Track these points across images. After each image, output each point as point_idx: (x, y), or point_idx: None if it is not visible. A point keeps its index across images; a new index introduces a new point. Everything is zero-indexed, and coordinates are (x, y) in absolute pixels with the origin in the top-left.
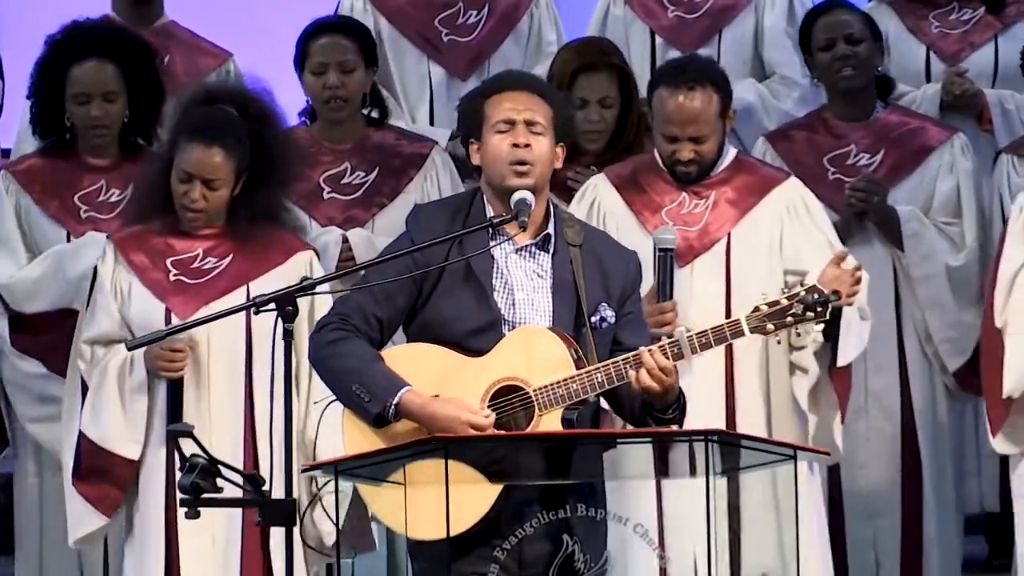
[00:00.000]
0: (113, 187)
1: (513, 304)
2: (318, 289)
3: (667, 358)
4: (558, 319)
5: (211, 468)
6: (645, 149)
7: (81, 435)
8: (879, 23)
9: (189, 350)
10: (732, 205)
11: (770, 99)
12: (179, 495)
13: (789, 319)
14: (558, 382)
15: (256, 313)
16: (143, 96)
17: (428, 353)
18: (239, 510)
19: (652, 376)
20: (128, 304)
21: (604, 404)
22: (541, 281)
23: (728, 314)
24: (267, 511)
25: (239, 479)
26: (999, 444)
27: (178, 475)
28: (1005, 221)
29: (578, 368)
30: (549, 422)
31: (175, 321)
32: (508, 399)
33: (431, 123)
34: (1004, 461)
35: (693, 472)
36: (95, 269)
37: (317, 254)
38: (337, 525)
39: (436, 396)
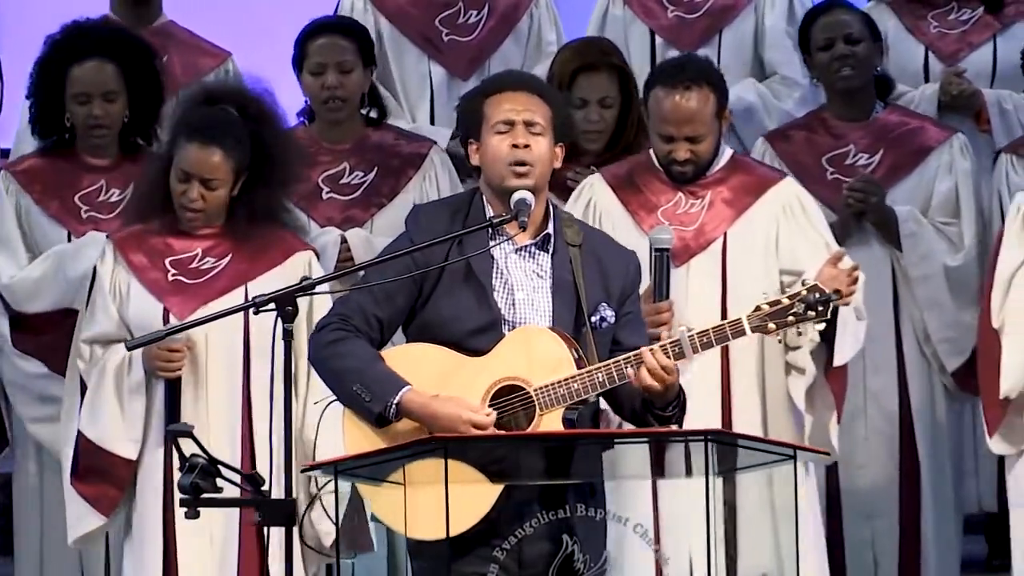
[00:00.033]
0: (113, 187)
1: (513, 304)
2: (318, 289)
3: (668, 357)
4: (558, 319)
5: (211, 468)
6: (645, 149)
7: (79, 435)
8: (878, 23)
9: (187, 350)
10: (728, 205)
11: (771, 99)
12: (179, 495)
13: (791, 318)
14: (559, 382)
15: (256, 313)
16: (143, 96)
17: (428, 353)
18: (236, 510)
19: (654, 375)
20: (126, 304)
21: (603, 404)
22: (541, 281)
23: (724, 314)
24: (267, 511)
25: (239, 479)
26: (996, 445)
27: (178, 475)
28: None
29: (579, 368)
30: (550, 422)
31: (173, 321)
32: (509, 399)
33: (432, 123)
34: (1002, 461)
35: (689, 472)
36: (94, 269)
37: (317, 254)
38: (337, 525)
39: (436, 395)
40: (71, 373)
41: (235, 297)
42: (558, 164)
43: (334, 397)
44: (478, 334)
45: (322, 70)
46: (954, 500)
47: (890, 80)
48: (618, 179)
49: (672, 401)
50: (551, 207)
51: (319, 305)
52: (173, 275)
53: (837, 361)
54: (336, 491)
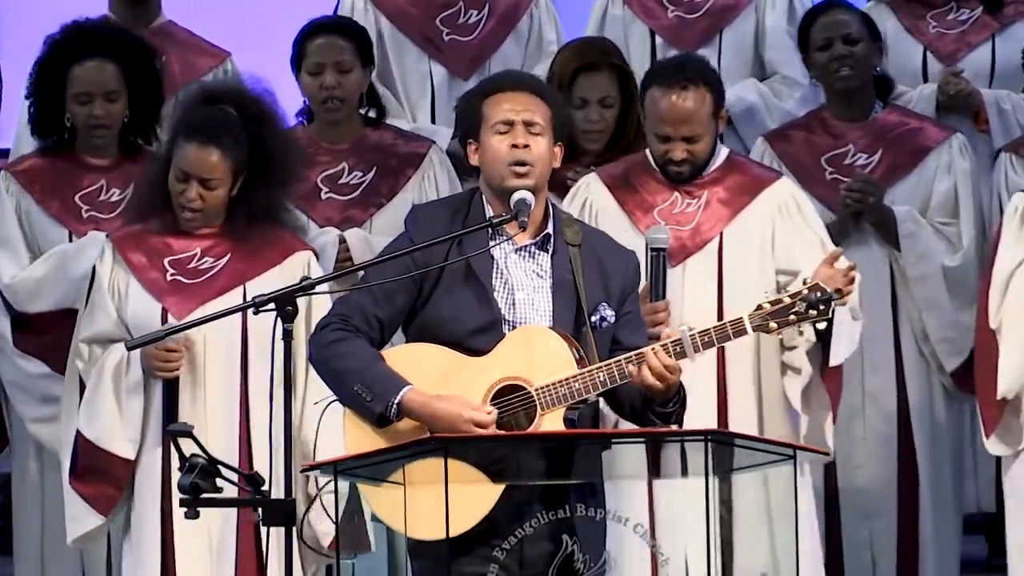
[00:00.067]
0: (113, 187)
1: (513, 304)
2: (317, 289)
3: (670, 357)
4: (558, 319)
5: (211, 468)
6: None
7: (78, 434)
8: (877, 23)
9: (185, 350)
10: (724, 205)
11: (772, 99)
12: (179, 495)
13: (792, 317)
14: (560, 381)
15: (256, 313)
16: (143, 96)
17: (428, 353)
18: (234, 510)
19: (657, 375)
20: (125, 303)
21: (602, 404)
22: (541, 281)
23: (720, 314)
24: (266, 511)
25: (239, 479)
26: (992, 445)
27: (177, 475)
28: None
29: (580, 367)
30: (551, 422)
31: (171, 321)
32: (509, 399)
33: (432, 122)
34: (1001, 461)
35: (685, 472)
36: (93, 268)
37: (316, 254)
38: (336, 525)
39: (438, 395)
40: (70, 373)
41: (234, 297)
42: (557, 164)
43: (333, 397)
44: (478, 334)
45: (320, 70)
46: (953, 500)
47: (890, 80)
48: (614, 179)
49: (672, 399)
50: (551, 207)
51: (318, 305)
52: (172, 275)
53: (833, 361)
54: (336, 491)
